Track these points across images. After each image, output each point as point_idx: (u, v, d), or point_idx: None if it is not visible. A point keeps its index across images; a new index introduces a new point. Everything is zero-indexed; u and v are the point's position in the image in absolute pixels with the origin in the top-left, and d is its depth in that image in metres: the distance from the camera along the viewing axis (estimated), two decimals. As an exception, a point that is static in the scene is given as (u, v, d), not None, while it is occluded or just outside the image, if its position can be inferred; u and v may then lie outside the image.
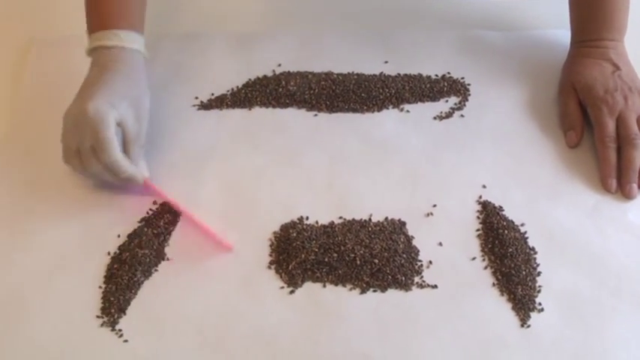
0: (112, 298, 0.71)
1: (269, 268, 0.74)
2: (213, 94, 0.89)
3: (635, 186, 0.80)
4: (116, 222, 0.77)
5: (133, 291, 0.72)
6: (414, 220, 0.78)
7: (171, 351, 0.68)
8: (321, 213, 0.78)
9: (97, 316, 0.70)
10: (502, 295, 0.72)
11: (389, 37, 0.96)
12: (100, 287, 0.72)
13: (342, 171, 0.82)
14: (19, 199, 0.78)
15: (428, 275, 0.74)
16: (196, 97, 0.88)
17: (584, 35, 0.89)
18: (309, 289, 0.73)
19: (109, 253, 0.75)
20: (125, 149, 0.77)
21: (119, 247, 0.75)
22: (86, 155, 0.75)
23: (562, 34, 0.96)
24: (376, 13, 1.00)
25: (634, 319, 0.71)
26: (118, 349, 0.68)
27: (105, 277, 0.73)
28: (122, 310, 0.70)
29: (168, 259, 0.75)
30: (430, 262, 0.75)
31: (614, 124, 0.82)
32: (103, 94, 0.75)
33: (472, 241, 0.77)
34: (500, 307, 0.72)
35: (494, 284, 0.73)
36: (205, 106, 0.88)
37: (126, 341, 0.68)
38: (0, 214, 0.77)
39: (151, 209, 0.78)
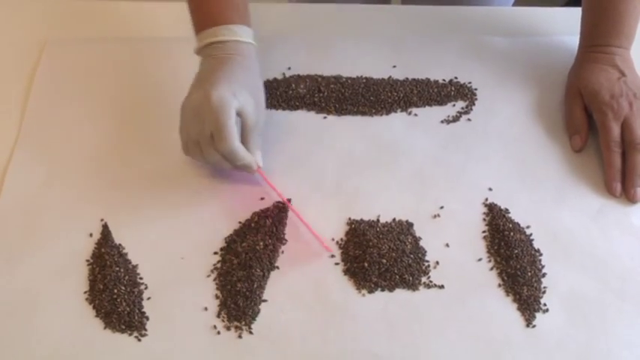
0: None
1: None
2: (225, 96, 0.90)
3: (639, 190, 0.81)
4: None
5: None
6: (421, 222, 0.79)
7: (183, 349, 0.69)
8: (330, 214, 0.79)
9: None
10: (508, 295, 0.74)
11: (397, 42, 0.97)
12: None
13: (350, 173, 0.83)
14: (32, 198, 0.79)
15: (435, 275, 0.75)
16: (209, 99, 0.90)
17: (592, 40, 0.90)
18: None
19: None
20: (243, 138, 0.77)
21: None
22: (206, 144, 0.75)
23: (567, 40, 0.97)
24: (385, 19, 1.01)
25: (638, 320, 0.72)
26: (131, 347, 0.69)
27: None
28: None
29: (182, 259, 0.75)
30: (437, 262, 0.76)
31: (620, 129, 0.83)
32: (225, 83, 0.75)
33: (478, 242, 0.78)
34: (506, 308, 0.73)
35: (499, 285, 0.74)
36: (217, 107, 0.89)
37: (138, 340, 0.70)
38: (14, 214, 0.78)
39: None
